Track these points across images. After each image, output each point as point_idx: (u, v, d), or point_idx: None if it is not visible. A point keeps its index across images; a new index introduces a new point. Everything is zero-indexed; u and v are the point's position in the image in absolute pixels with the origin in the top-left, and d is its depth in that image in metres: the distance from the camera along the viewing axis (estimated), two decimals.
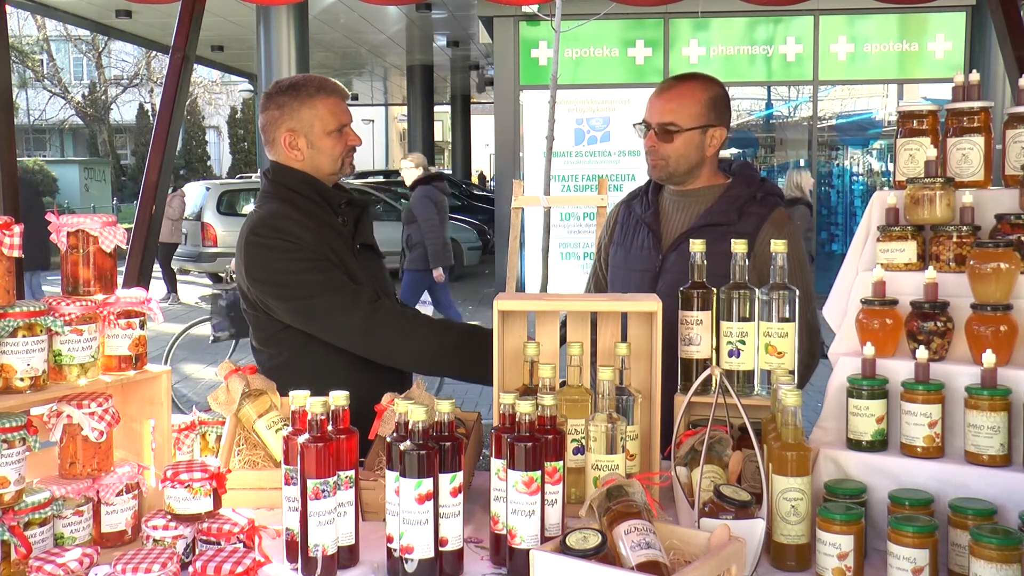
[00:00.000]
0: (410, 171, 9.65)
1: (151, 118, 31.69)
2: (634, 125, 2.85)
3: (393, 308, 2.63)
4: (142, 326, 2.07)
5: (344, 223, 2.74)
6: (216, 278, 15.40)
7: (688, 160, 2.77)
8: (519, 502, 1.82)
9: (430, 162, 28.78)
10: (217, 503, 1.95)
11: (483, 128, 34.85)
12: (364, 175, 25.39)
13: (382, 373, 2.62)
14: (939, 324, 1.99)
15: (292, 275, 2.57)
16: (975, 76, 2.15)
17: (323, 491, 1.84)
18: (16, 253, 1.87)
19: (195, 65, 8.50)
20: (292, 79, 2.77)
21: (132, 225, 3.12)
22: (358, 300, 2.56)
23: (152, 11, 16.30)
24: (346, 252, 2.68)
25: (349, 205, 2.77)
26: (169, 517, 1.93)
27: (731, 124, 2.88)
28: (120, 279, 2.22)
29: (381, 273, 2.88)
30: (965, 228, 2.05)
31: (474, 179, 34.08)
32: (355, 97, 33.86)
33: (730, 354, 2.22)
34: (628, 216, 2.97)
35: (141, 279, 3.09)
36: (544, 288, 7.24)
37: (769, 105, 14.53)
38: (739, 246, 2.24)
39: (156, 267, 10.66)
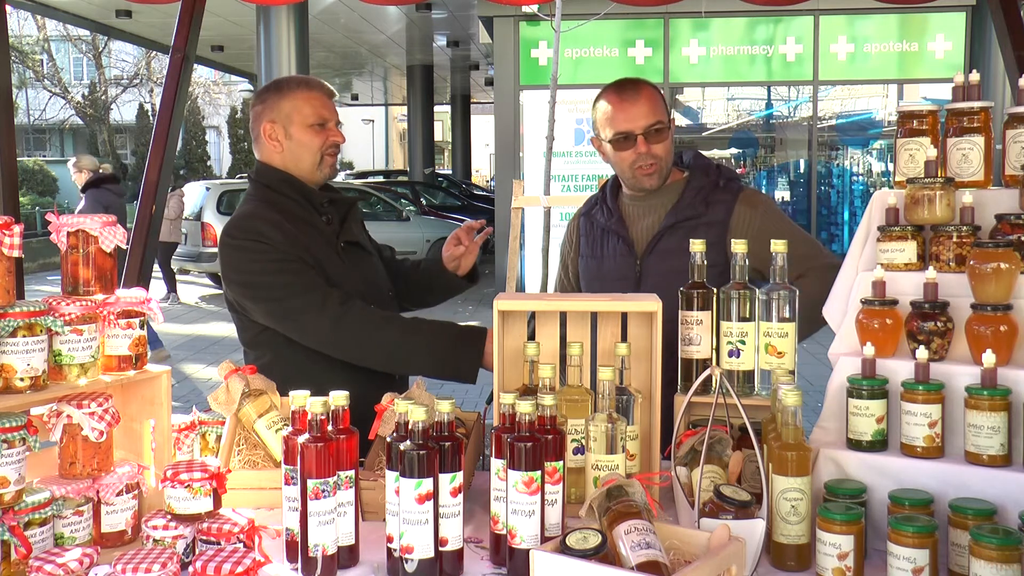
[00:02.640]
0: (79, 176, 9.78)
1: (151, 118, 31.61)
2: (609, 143, 2.72)
3: (363, 309, 2.57)
4: (142, 326, 2.07)
5: (328, 221, 2.72)
6: (216, 278, 15.41)
7: (671, 156, 2.79)
8: (519, 502, 1.82)
9: (429, 161, 28.62)
10: (217, 503, 1.95)
11: (483, 128, 34.83)
12: (364, 175, 25.40)
13: (364, 374, 2.58)
14: (939, 324, 1.99)
15: (264, 276, 2.56)
16: (975, 76, 2.15)
17: (323, 491, 1.84)
18: (16, 253, 1.87)
19: (195, 65, 8.48)
20: (279, 79, 2.78)
21: (132, 225, 3.14)
22: (327, 302, 2.53)
23: (152, 11, 16.28)
24: (327, 251, 2.66)
25: (332, 204, 2.74)
26: (169, 517, 1.93)
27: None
28: (120, 279, 2.22)
29: (371, 270, 2.83)
30: (965, 228, 2.05)
31: (476, 179, 34.07)
32: (355, 97, 33.86)
33: (730, 354, 2.22)
34: (591, 227, 2.92)
35: (141, 279, 3.09)
36: (544, 288, 7.22)
37: (769, 105, 14.52)
38: (739, 246, 2.24)
39: (156, 267, 10.63)
